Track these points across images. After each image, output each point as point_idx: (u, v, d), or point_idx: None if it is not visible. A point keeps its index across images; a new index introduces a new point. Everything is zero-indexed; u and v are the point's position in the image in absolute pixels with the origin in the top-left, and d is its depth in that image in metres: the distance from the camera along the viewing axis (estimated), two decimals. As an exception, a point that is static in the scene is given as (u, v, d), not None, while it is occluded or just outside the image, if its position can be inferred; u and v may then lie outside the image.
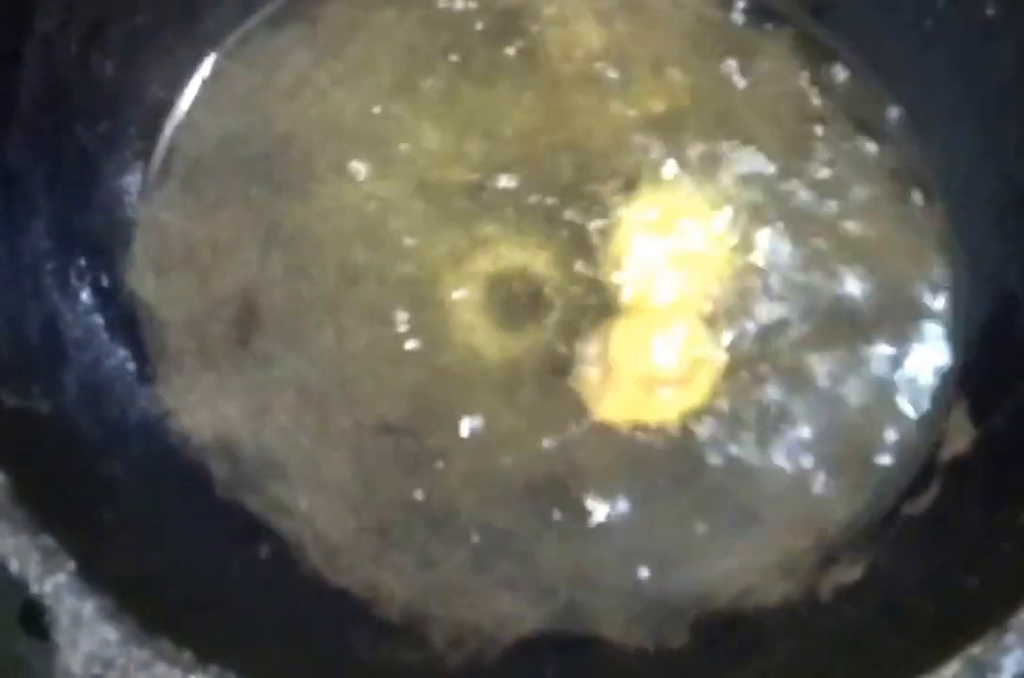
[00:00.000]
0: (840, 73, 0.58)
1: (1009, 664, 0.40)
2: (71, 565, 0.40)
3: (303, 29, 0.59)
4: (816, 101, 0.57)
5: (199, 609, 0.45)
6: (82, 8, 0.52)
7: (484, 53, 0.58)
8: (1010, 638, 0.41)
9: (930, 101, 0.56)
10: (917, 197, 0.56)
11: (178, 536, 0.50)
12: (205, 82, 0.58)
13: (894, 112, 0.57)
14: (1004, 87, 0.53)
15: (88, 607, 0.40)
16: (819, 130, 0.57)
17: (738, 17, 0.58)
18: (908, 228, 0.56)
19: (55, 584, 0.40)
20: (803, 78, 0.57)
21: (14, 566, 0.40)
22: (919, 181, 0.56)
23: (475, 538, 0.52)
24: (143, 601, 0.41)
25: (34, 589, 0.40)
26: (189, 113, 0.58)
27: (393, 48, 0.59)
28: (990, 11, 0.52)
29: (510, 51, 0.58)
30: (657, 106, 0.57)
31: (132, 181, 0.57)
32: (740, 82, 0.57)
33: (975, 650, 0.41)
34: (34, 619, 0.40)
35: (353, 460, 0.53)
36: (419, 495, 0.53)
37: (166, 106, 0.58)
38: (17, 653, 0.40)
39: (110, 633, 0.40)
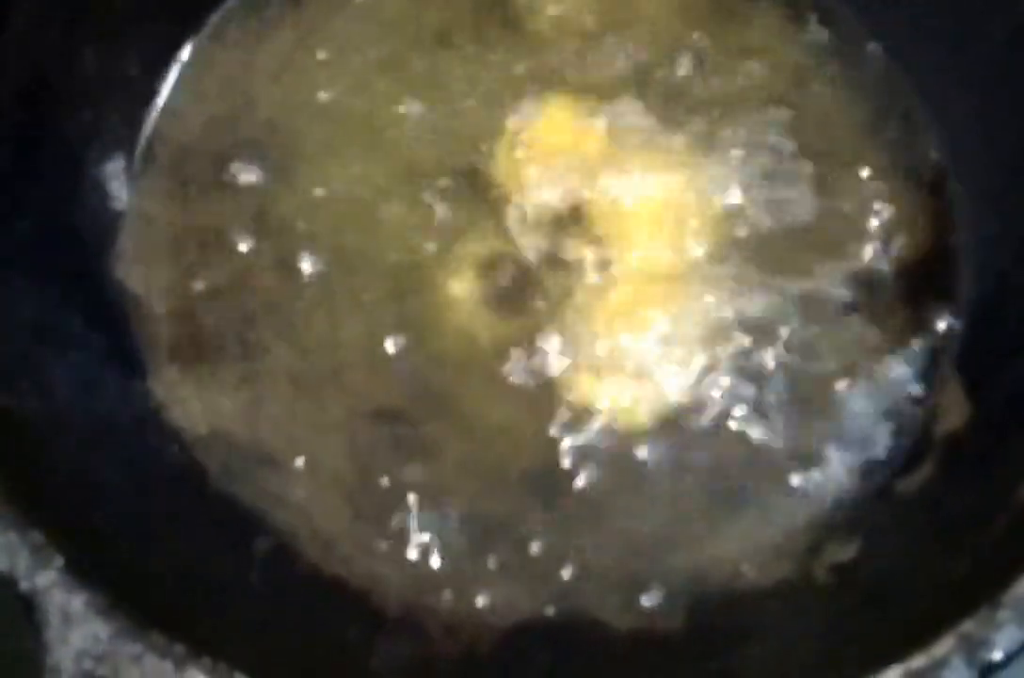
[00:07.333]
0: (830, 39, 0.60)
1: (1002, 640, 0.42)
2: (59, 561, 0.42)
3: (286, 8, 0.61)
4: (809, 73, 0.59)
5: (191, 602, 0.47)
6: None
7: (472, 28, 0.60)
8: (1003, 614, 0.42)
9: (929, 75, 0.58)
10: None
11: (171, 530, 0.51)
12: (187, 66, 0.60)
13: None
14: (998, 57, 0.55)
15: (78, 602, 0.41)
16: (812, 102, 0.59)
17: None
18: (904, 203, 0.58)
19: (45, 580, 0.41)
20: (795, 49, 0.59)
21: (3, 563, 0.41)
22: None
23: (470, 525, 0.54)
24: (134, 595, 0.42)
25: (24, 586, 0.41)
26: (172, 99, 0.59)
27: (379, 24, 0.60)
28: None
29: (499, 25, 0.60)
30: (648, 81, 0.59)
31: (117, 171, 0.58)
32: (733, 54, 0.59)
33: (967, 627, 0.42)
34: (25, 616, 0.41)
35: (348, 449, 0.55)
36: (414, 482, 0.54)
37: (149, 92, 0.59)
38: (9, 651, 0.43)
39: (101, 628, 0.41)
